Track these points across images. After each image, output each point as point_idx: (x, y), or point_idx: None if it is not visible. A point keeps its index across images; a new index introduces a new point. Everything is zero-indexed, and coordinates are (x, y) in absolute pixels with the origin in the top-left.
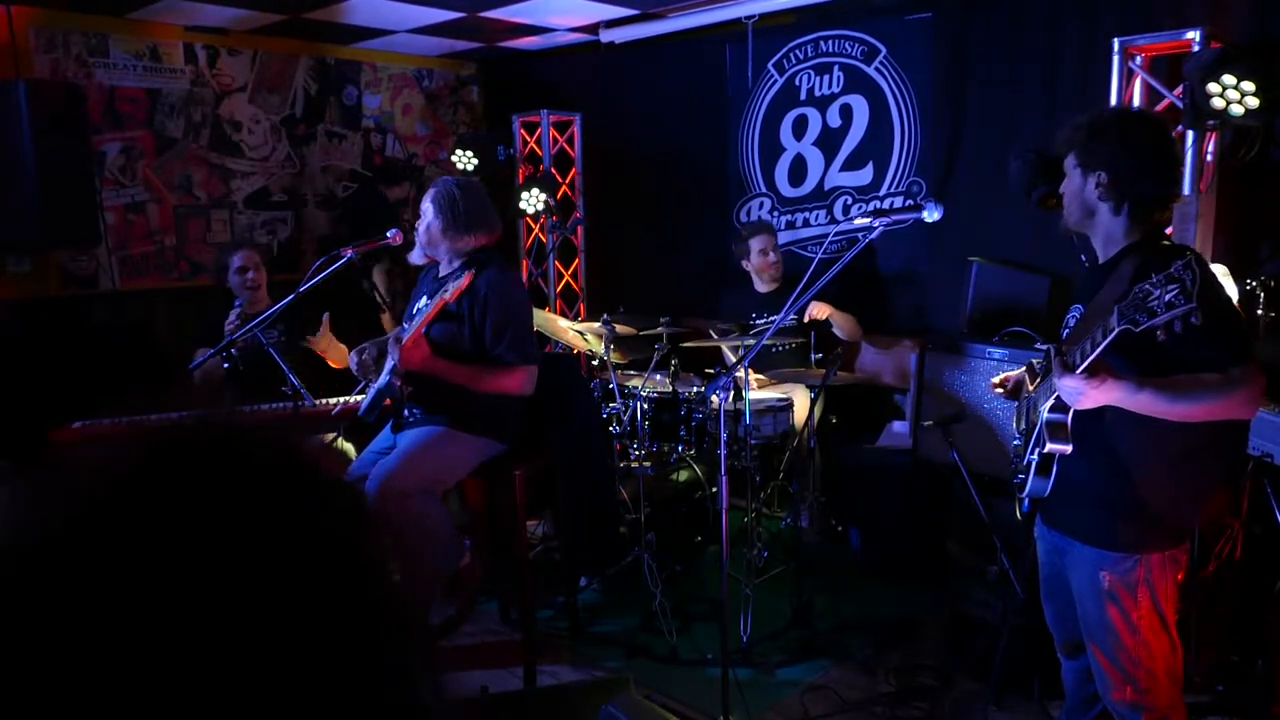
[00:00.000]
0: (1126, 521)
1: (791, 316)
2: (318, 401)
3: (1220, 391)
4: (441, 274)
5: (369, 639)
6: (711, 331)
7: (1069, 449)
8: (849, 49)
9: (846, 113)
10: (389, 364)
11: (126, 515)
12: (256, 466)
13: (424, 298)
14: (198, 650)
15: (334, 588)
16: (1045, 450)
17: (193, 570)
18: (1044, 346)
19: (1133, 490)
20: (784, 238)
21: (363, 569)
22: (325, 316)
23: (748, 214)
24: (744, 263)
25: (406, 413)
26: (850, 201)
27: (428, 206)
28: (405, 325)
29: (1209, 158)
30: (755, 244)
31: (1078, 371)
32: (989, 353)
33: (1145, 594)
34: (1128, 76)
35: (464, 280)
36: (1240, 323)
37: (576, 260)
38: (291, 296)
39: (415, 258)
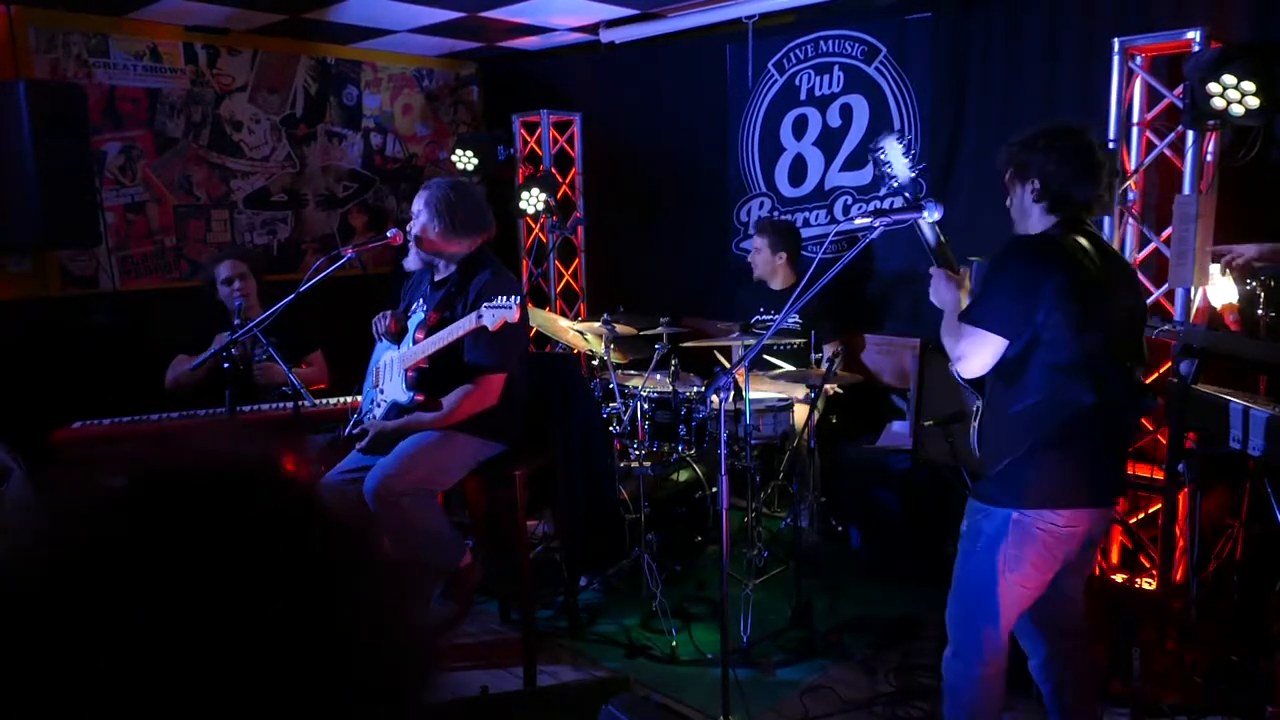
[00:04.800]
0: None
1: (793, 317)
2: (317, 401)
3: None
4: (438, 278)
5: (353, 661)
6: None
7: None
8: (849, 49)
9: (846, 112)
10: (399, 379)
11: (120, 549)
12: (244, 498)
13: (419, 301)
14: (184, 684)
15: (318, 617)
16: None
17: (181, 603)
18: None
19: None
20: None
21: (346, 597)
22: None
23: (748, 214)
24: None
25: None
26: (850, 201)
27: (421, 209)
28: (400, 344)
29: (1209, 158)
30: (753, 240)
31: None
32: None
33: None
34: (1128, 76)
35: (514, 313)
36: (994, 293)
37: (576, 260)
38: (292, 296)
39: (411, 263)
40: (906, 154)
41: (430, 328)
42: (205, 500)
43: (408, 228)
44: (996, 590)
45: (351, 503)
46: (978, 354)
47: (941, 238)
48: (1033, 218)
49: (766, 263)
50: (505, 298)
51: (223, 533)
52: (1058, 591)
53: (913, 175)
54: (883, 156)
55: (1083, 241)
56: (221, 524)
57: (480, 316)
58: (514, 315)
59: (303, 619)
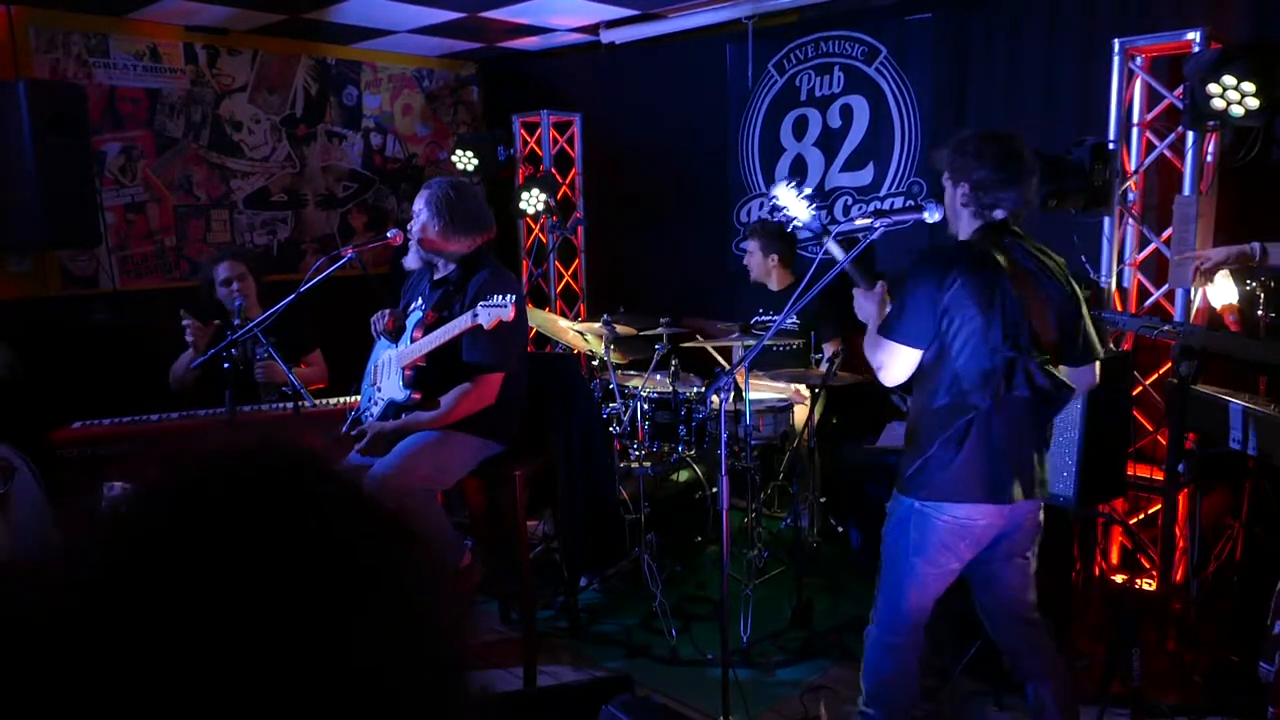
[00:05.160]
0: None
1: (793, 318)
2: (317, 402)
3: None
4: (437, 276)
5: (415, 660)
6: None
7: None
8: (849, 49)
9: (847, 113)
10: (396, 377)
11: (179, 551)
12: (304, 493)
13: (418, 299)
14: (255, 684)
15: (381, 611)
16: None
17: (249, 602)
18: None
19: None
20: None
21: (406, 589)
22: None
23: (748, 214)
24: None
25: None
26: (851, 202)
27: (421, 208)
28: (399, 342)
29: (1209, 158)
30: (747, 243)
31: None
32: None
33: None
34: (1128, 77)
35: (509, 312)
36: (901, 307)
37: (576, 260)
38: (292, 296)
39: (411, 262)
40: (800, 195)
41: (428, 326)
42: (259, 492)
43: (408, 227)
44: (903, 570)
45: (392, 493)
46: (893, 364)
47: (849, 257)
48: (962, 220)
49: (759, 265)
50: (501, 296)
51: (279, 524)
52: (998, 580)
53: (814, 212)
54: (779, 202)
55: (995, 252)
56: (277, 516)
57: (475, 315)
58: (509, 314)
59: (359, 609)
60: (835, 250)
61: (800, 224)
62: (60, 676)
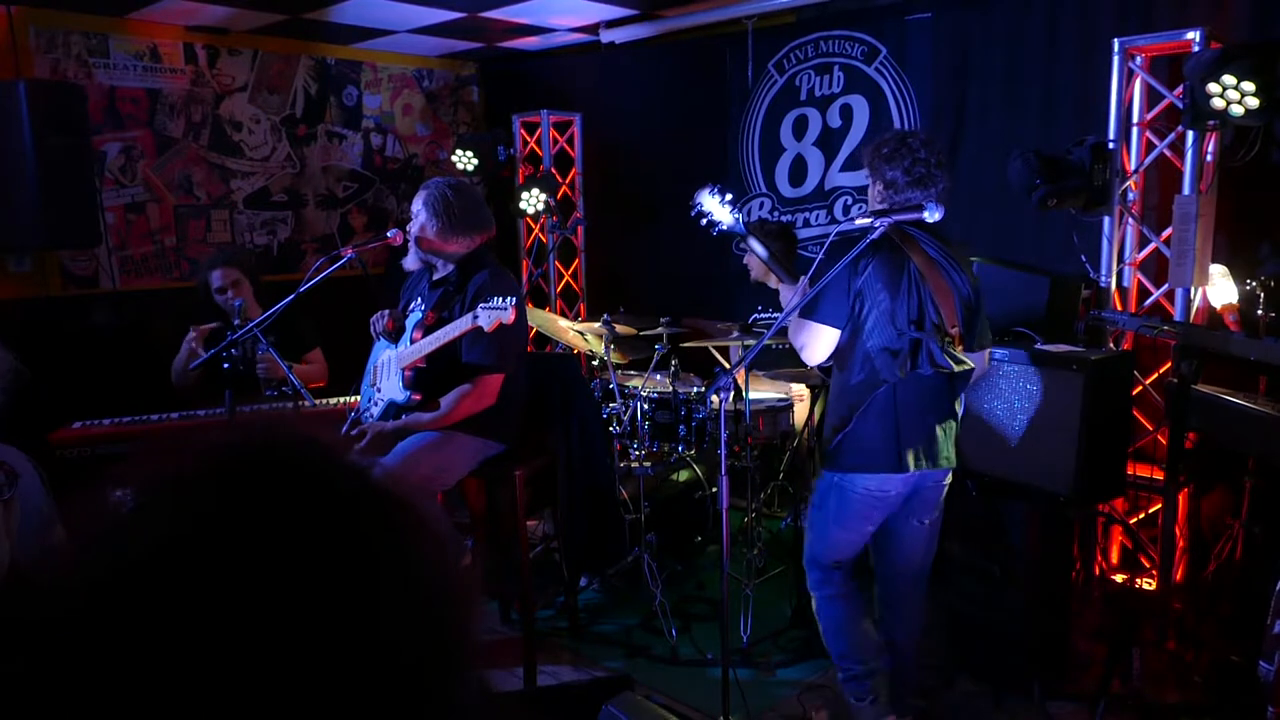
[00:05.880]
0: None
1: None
2: (317, 401)
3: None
4: (437, 277)
5: (431, 652)
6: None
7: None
8: (849, 49)
9: (847, 113)
10: (395, 378)
11: (209, 546)
12: (322, 483)
13: (417, 300)
14: (288, 670)
15: (403, 601)
16: None
17: (279, 594)
18: (1046, 347)
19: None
20: None
21: (419, 572)
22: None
23: (748, 214)
24: None
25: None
26: (851, 201)
27: (419, 209)
28: (398, 343)
29: (1209, 158)
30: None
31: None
32: None
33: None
34: (1128, 77)
35: (510, 314)
36: (820, 291)
37: (576, 260)
38: (292, 297)
39: (410, 263)
40: (723, 201)
41: (428, 327)
42: (288, 479)
43: (407, 228)
44: (828, 538)
45: (406, 481)
46: (814, 344)
47: (771, 251)
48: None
49: (759, 265)
50: (501, 298)
51: (300, 514)
52: (894, 539)
53: (737, 217)
54: (704, 208)
55: (905, 243)
56: (298, 506)
57: (475, 317)
58: (509, 316)
59: (379, 591)
60: (757, 248)
61: (725, 227)
62: (111, 666)
